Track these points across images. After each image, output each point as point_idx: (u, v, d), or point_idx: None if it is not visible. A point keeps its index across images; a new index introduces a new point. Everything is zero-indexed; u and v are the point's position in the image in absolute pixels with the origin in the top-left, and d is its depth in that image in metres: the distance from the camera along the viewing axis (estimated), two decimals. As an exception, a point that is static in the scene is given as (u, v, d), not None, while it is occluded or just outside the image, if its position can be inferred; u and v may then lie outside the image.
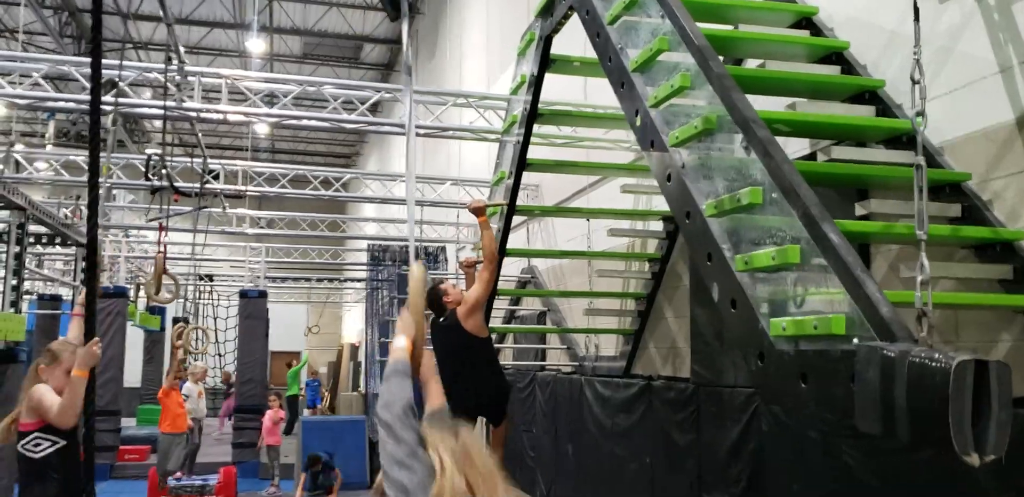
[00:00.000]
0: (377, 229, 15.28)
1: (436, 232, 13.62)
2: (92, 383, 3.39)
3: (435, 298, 5.45)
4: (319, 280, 22.36)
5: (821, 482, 4.23)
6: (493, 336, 6.63)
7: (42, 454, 3.40)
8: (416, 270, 2.58)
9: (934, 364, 1.83)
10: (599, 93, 7.00)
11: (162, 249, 6.46)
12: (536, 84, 5.16)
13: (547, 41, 5.00)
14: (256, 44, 19.00)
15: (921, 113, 2.39)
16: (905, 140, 3.66)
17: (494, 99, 6.73)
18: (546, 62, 5.08)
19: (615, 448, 6.89)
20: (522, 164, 5.47)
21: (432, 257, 14.04)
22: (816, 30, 4.35)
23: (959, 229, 3.11)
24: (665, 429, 5.99)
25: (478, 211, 5.42)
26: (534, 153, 5.90)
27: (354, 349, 29.65)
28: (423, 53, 18.22)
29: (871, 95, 3.90)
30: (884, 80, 3.85)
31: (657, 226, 6.18)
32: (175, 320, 17.25)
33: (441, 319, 5.50)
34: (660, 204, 6.25)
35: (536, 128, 5.84)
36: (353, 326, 30.53)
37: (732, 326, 2.74)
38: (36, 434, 3.41)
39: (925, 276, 2.10)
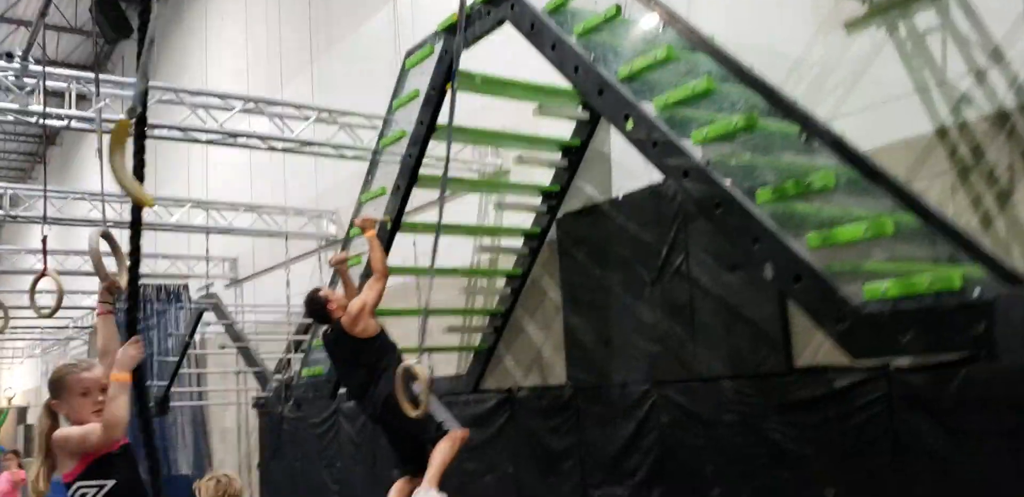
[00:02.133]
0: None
1: (176, 267, 12.57)
2: (142, 387, 2.80)
3: (317, 307, 5.22)
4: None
5: (739, 460, 4.68)
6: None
7: None
8: None
9: (1097, 296, 2.29)
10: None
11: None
12: (438, 100, 5.21)
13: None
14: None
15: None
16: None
17: (357, 115, 6.56)
18: (450, 77, 5.14)
19: (463, 464, 6.90)
20: (413, 179, 5.45)
21: (174, 296, 12.92)
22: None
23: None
24: (534, 437, 6.16)
25: (366, 225, 5.30)
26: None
27: (22, 411, 26.07)
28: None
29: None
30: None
31: (516, 243, 6.41)
32: None
33: (328, 330, 5.28)
34: (519, 222, 6.48)
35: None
36: (19, 383, 26.78)
37: (798, 299, 3.07)
38: (78, 484, 2.75)
39: None
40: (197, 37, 12.68)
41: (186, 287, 12.99)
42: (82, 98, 6.49)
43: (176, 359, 9.67)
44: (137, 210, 3.05)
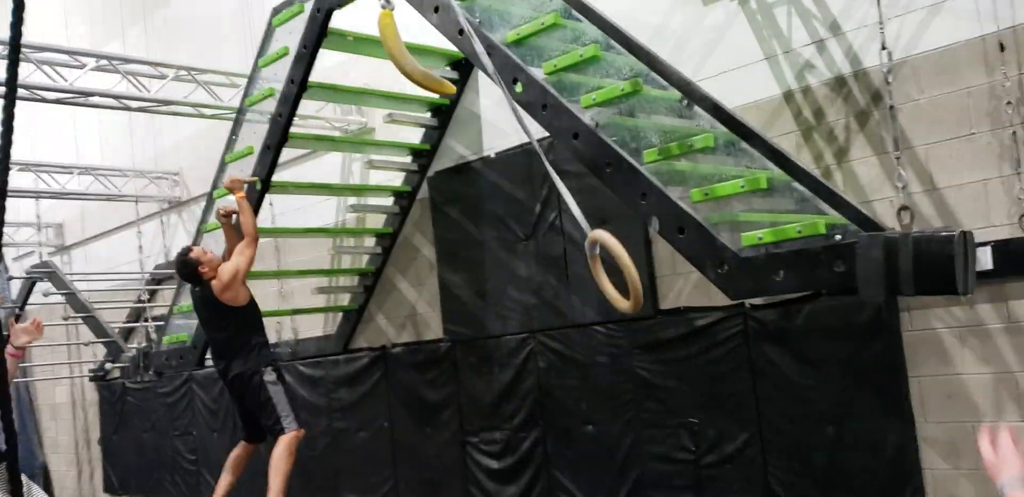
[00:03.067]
0: None
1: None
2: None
3: (189, 269, 5.23)
4: None
5: (610, 397, 5.12)
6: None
7: None
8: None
9: (939, 236, 2.77)
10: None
11: None
12: (310, 58, 5.20)
13: (328, 14, 5.08)
14: None
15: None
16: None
17: (217, 72, 6.28)
18: (323, 36, 5.15)
19: (333, 424, 7.05)
20: (284, 139, 5.43)
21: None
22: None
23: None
24: (410, 391, 6.39)
25: (235, 187, 5.27)
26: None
27: None
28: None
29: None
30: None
31: (385, 201, 6.49)
32: None
33: (197, 289, 5.30)
34: (387, 180, 6.56)
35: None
36: None
37: (682, 248, 3.44)
38: None
39: (904, 182, 3.05)
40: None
41: (0, 256, 12.08)
42: None
43: (4, 334, 9.07)
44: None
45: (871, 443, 4.03)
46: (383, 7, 3.02)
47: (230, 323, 5.27)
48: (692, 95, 3.46)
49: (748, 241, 3.24)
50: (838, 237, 3.03)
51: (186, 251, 5.29)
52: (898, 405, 3.94)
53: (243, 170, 5.71)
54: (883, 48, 3.23)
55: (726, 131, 3.39)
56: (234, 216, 5.37)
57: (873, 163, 4.04)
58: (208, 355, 6.25)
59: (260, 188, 5.56)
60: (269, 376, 5.20)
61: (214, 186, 6.05)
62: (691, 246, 3.40)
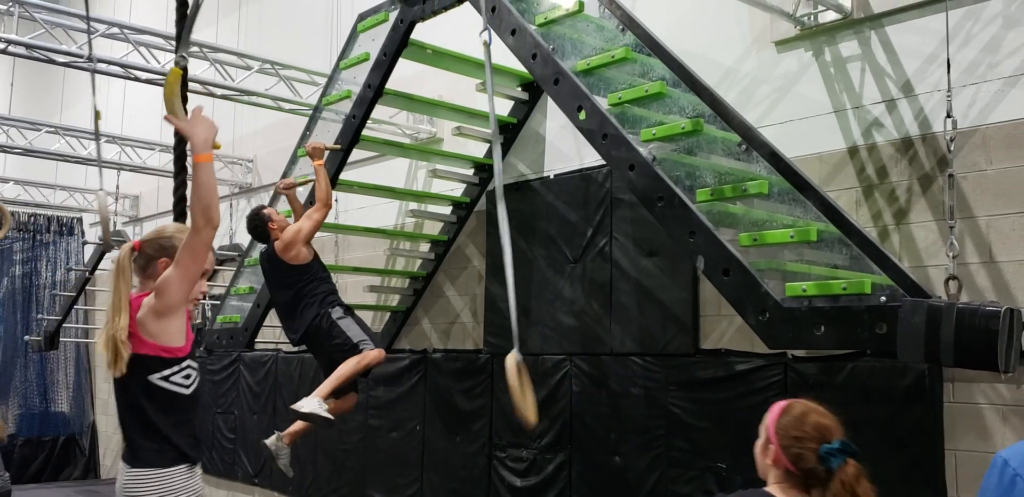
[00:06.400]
0: None
1: (73, 199, 12.09)
2: None
3: (259, 224, 5.34)
4: None
5: (641, 430, 5.08)
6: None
7: (192, 388, 2.78)
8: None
9: (984, 310, 2.69)
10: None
11: None
12: (388, 66, 5.30)
13: (410, 26, 5.18)
14: None
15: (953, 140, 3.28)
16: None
17: (299, 69, 6.47)
18: (403, 45, 5.25)
19: (368, 420, 7.15)
20: (355, 140, 5.55)
21: (67, 228, 12.50)
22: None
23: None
24: (445, 397, 6.45)
25: (315, 154, 5.36)
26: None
27: None
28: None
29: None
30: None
31: (444, 210, 6.58)
32: None
33: (265, 249, 5.47)
34: (448, 189, 6.65)
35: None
36: None
37: (725, 290, 3.41)
38: (188, 363, 2.77)
39: (955, 251, 2.98)
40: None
41: (80, 221, 12.60)
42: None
43: (72, 294, 9.45)
44: None
45: (898, 511, 3.92)
46: (176, 64, 3.00)
47: (294, 281, 5.31)
48: (752, 140, 3.43)
49: (792, 291, 3.20)
50: (883, 299, 2.97)
51: (259, 207, 5.43)
52: (931, 476, 3.83)
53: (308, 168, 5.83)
54: (948, 116, 3.16)
55: (782, 179, 3.34)
56: (297, 189, 5.52)
57: (932, 228, 3.95)
58: (272, 337, 6.39)
59: (336, 169, 5.60)
60: (336, 313, 5.26)
61: (283, 176, 6.19)
62: (734, 289, 3.36)
